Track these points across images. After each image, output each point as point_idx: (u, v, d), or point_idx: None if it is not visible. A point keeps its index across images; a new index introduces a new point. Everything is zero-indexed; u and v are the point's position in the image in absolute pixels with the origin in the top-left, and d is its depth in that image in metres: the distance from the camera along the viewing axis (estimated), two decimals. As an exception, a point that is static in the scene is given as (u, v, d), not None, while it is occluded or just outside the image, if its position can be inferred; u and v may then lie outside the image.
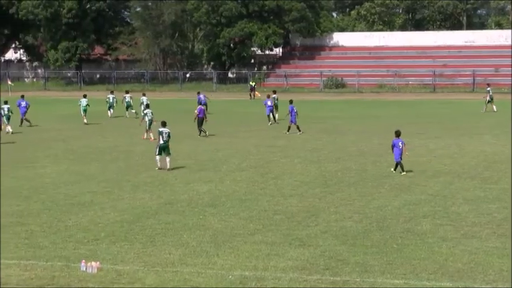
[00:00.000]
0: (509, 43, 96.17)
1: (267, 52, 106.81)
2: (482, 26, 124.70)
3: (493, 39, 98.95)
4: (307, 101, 77.06)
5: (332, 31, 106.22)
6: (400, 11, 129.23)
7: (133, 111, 55.95)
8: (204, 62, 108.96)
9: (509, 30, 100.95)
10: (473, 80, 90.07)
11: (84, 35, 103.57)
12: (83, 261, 16.67)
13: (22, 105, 51.16)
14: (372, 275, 16.09)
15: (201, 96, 54.80)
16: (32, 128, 48.91)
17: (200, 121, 43.09)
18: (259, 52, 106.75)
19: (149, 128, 41.18)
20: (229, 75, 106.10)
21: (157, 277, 16.07)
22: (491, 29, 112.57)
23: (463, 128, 46.59)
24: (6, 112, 46.04)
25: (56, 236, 19.61)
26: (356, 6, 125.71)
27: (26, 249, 18.32)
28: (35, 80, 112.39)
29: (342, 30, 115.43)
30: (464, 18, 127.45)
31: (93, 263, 16.51)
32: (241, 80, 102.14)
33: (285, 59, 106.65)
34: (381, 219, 21.35)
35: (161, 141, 30.75)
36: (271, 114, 50.44)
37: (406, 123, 49.71)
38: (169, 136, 30.94)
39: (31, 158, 34.54)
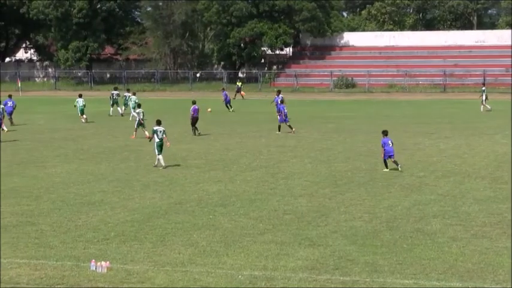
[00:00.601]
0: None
1: (277, 52, 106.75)
2: (492, 25, 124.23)
3: (503, 39, 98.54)
4: (317, 100, 77.11)
5: (342, 31, 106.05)
6: (411, 11, 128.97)
7: (120, 108, 56.83)
8: (214, 61, 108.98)
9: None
10: (484, 80, 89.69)
11: (95, 34, 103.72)
12: (93, 260, 16.71)
13: (9, 105, 50.77)
14: (382, 275, 16.08)
15: (225, 93, 55.88)
16: (40, 128, 48.94)
17: (195, 120, 43.58)
18: (269, 52, 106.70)
19: (138, 127, 42.00)
20: (240, 75, 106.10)
21: (167, 277, 16.09)
22: (502, 28, 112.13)
23: (474, 128, 46.46)
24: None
25: (66, 235, 19.66)
26: (367, 6, 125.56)
27: (36, 248, 18.38)
28: (45, 79, 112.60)
29: (353, 30, 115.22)
30: (475, 18, 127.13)
31: (103, 263, 16.54)
32: (251, 79, 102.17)
33: (295, 58, 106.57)
34: (390, 219, 21.33)
35: (157, 140, 31.29)
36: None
37: (416, 123, 49.69)
38: (164, 134, 31.47)
39: (41, 158, 34.62)
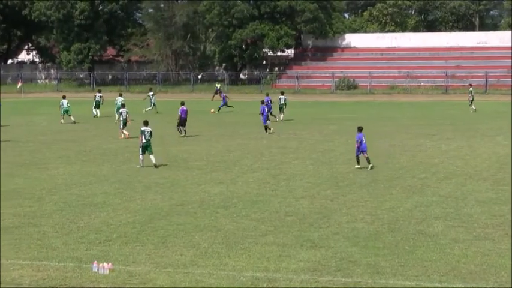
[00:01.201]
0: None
1: (278, 53, 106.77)
2: (495, 27, 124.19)
3: (505, 40, 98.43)
4: (319, 102, 77.13)
5: (344, 32, 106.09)
6: (413, 12, 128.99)
7: (97, 110, 56.99)
8: (216, 63, 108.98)
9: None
10: (486, 81, 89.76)
11: (97, 36, 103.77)
12: (95, 262, 16.72)
13: None
14: (384, 277, 16.07)
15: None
16: (42, 129, 48.94)
17: (183, 121, 43.70)
18: (271, 53, 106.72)
19: (123, 127, 42.24)
20: (241, 76, 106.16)
21: (168, 278, 16.10)
22: (504, 30, 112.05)
23: (475, 130, 46.43)
24: None
25: (68, 237, 19.68)
26: (368, 7, 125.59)
27: (38, 250, 18.40)
28: (47, 81, 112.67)
29: (354, 31, 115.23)
30: (477, 19, 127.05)
31: (105, 264, 16.56)
32: (253, 81, 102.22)
33: (296, 60, 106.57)
34: (392, 220, 21.32)
35: (143, 140, 31.56)
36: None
37: (418, 125, 49.67)
38: (151, 135, 31.79)
39: (43, 159, 34.65)
